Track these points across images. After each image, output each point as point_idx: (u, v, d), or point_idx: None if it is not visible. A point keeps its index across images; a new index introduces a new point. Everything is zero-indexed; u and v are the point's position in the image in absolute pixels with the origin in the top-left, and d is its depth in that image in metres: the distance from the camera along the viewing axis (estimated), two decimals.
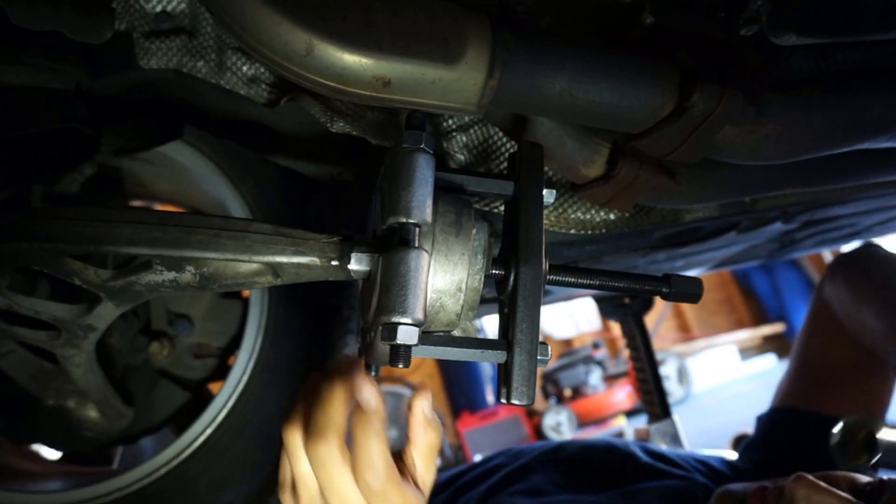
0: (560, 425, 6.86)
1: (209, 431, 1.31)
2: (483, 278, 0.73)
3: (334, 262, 0.73)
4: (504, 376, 0.70)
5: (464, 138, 1.06)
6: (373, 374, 0.83)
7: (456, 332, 0.78)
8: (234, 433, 1.31)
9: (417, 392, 0.78)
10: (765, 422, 1.72)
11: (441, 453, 6.61)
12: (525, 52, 0.71)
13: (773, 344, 8.41)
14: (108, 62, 1.03)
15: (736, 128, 0.79)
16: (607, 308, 2.94)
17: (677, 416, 2.67)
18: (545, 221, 1.02)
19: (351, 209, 1.45)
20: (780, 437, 1.64)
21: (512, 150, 0.98)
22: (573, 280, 0.78)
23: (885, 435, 1.20)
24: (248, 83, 1.03)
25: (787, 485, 1.07)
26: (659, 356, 6.38)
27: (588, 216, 1.15)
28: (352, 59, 0.65)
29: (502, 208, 1.09)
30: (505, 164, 1.07)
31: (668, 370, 7.34)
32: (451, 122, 1.05)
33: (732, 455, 1.72)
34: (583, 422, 6.99)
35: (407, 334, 0.62)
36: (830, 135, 0.83)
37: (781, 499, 1.11)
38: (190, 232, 0.74)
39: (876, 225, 1.91)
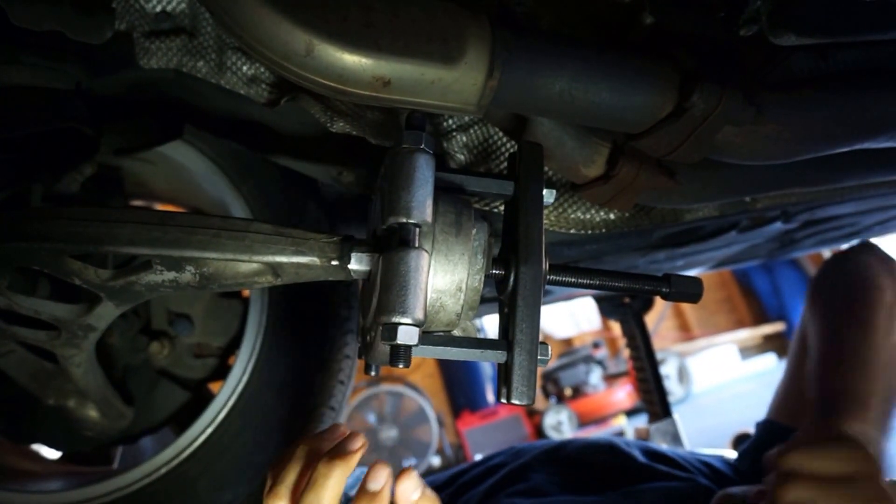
0: (560, 425, 6.87)
1: (209, 431, 1.31)
2: (483, 278, 0.73)
3: (334, 262, 0.73)
4: (504, 376, 0.70)
5: (464, 138, 1.06)
6: (373, 373, 0.83)
7: (456, 332, 0.78)
8: (234, 433, 1.31)
9: (401, 475, 0.75)
10: (759, 431, 1.71)
11: (441, 452, 6.62)
12: (525, 53, 0.71)
13: (774, 343, 8.41)
14: (108, 62, 1.03)
15: (736, 128, 0.79)
16: (607, 308, 2.94)
17: (677, 415, 2.67)
18: (545, 221, 1.02)
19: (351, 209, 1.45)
20: (765, 450, 1.63)
21: (512, 150, 0.98)
22: (573, 280, 0.78)
23: None
24: (248, 83, 1.03)
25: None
26: (659, 355, 6.40)
27: (588, 216, 1.15)
28: (352, 60, 0.65)
29: (502, 208, 1.09)
30: (505, 163, 1.07)
31: (668, 369, 7.34)
32: (451, 122, 1.05)
33: (733, 455, 1.72)
34: (583, 421, 6.99)
35: (407, 334, 0.62)
36: (830, 135, 0.83)
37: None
38: (190, 232, 0.74)
39: (876, 224, 1.90)
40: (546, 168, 1.05)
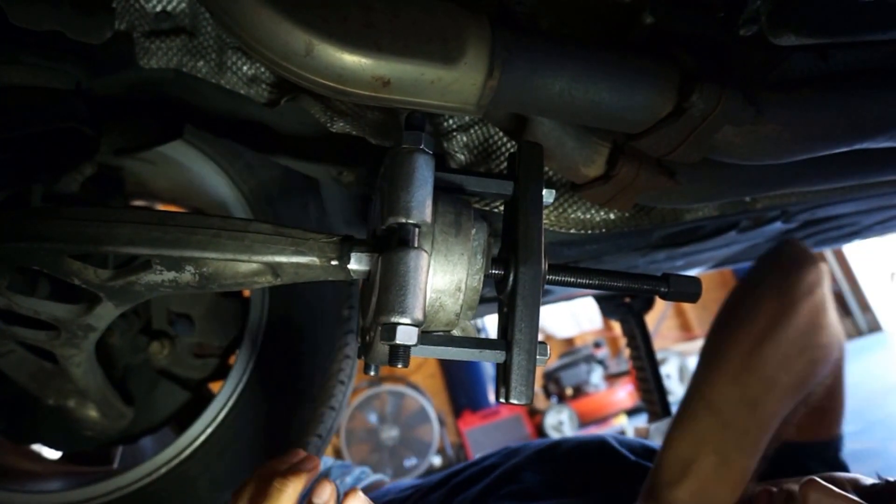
0: (561, 424, 6.87)
1: (209, 431, 1.31)
2: (482, 278, 0.73)
3: (334, 262, 0.73)
4: (503, 376, 0.70)
5: (464, 138, 1.06)
6: (372, 373, 0.84)
7: (455, 332, 0.78)
8: (234, 433, 1.31)
9: (348, 495, 0.82)
10: None
11: (442, 452, 6.63)
12: (525, 53, 0.71)
13: None
14: (108, 62, 1.03)
15: (735, 128, 0.79)
16: (608, 307, 2.94)
17: None
18: (545, 221, 1.01)
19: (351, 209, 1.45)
20: None
21: (512, 150, 0.98)
22: (572, 280, 0.78)
23: None
24: (249, 83, 1.03)
25: (800, 487, 1.06)
26: (660, 355, 6.40)
27: (588, 216, 1.15)
28: (351, 60, 0.65)
29: (502, 208, 1.09)
30: (505, 163, 1.07)
31: (669, 369, 7.34)
32: (451, 121, 1.05)
33: None
34: (584, 421, 6.99)
35: (406, 334, 0.62)
36: (830, 135, 0.83)
37: (792, 502, 1.11)
38: (189, 232, 0.74)
39: (876, 224, 1.90)
40: (546, 168, 1.05)
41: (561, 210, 1.14)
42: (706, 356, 1.33)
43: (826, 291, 1.39)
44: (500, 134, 1.06)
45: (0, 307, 0.92)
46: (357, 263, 0.72)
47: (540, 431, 6.82)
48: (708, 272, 2.46)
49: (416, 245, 0.64)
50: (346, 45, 0.65)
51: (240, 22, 0.64)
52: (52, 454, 1.65)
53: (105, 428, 1.29)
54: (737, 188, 1.03)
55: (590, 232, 1.16)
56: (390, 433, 6.30)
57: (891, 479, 1.10)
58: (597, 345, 7.66)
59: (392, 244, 0.65)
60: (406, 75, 0.68)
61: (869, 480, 1.13)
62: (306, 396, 1.37)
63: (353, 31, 0.65)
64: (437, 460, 6.53)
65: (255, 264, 0.75)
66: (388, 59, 0.66)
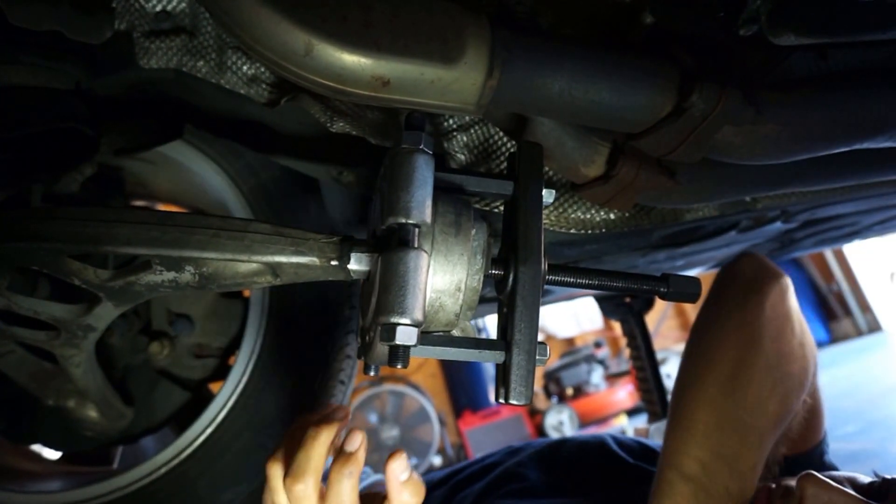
0: (562, 424, 6.87)
1: (209, 431, 1.31)
2: (482, 278, 0.73)
3: (334, 262, 0.73)
4: (502, 376, 0.70)
5: (464, 138, 1.06)
6: (372, 373, 0.84)
7: (455, 332, 0.78)
8: (234, 433, 1.31)
9: (391, 457, 0.82)
10: None
11: (443, 452, 6.63)
12: (524, 52, 0.71)
13: None
14: (108, 62, 1.03)
15: (735, 127, 0.79)
16: (608, 307, 2.94)
17: None
18: (545, 221, 1.02)
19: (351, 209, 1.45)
20: None
21: (512, 150, 0.98)
22: (572, 280, 0.78)
23: None
24: (249, 83, 1.02)
25: (797, 482, 1.06)
26: (660, 355, 6.39)
27: (588, 216, 1.15)
28: (351, 60, 0.65)
29: (502, 208, 1.09)
30: (505, 163, 1.07)
31: (669, 369, 7.33)
32: (451, 121, 1.05)
33: None
34: (584, 421, 6.99)
35: (406, 335, 0.62)
36: (829, 134, 0.82)
37: (789, 497, 1.11)
38: (189, 232, 0.74)
39: (876, 224, 1.90)
40: (546, 168, 1.05)
41: (561, 210, 1.14)
42: (674, 416, 1.25)
43: (791, 306, 1.34)
44: (500, 134, 1.06)
45: (0, 307, 0.92)
46: (357, 263, 0.72)
47: (540, 431, 6.83)
48: (708, 272, 2.46)
49: (416, 245, 0.64)
50: (345, 45, 0.65)
51: (239, 22, 0.64)
52: (51, 454, 1.65)
53: (105, 428, 1.29)
54: (737, 188, 1.03)
55: (590, 232, 1.16)
56: (390, 433, 6.30)
57: (888, 476, 1.10)
58: (597, 345, 7.66)
59: (392, 244, 0.65)
60: (406, 75, 0.68)
61: (867, 479, 1.13)
62: (306, 397, 1.37)
63: (352, 30, 0.65)
64: (437, 460, 6.54)
65: (254, 264, 0.75)
66: (388, 58, 0.66)
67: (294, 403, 1.35)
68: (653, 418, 2.74)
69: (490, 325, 6.56)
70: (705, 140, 0.79)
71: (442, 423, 6.68)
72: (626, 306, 2.84)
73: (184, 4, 0.96)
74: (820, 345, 8.38)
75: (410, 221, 0.64)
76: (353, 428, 0.83)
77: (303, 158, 1.20)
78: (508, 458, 1.62)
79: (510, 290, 0.71)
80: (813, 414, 1.41)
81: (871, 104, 0.82)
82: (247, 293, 1.51)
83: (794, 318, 1.32)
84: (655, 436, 2.62)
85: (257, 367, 1.34)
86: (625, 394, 7.16)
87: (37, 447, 1.59)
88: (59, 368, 1.09)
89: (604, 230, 1.16)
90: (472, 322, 0.89)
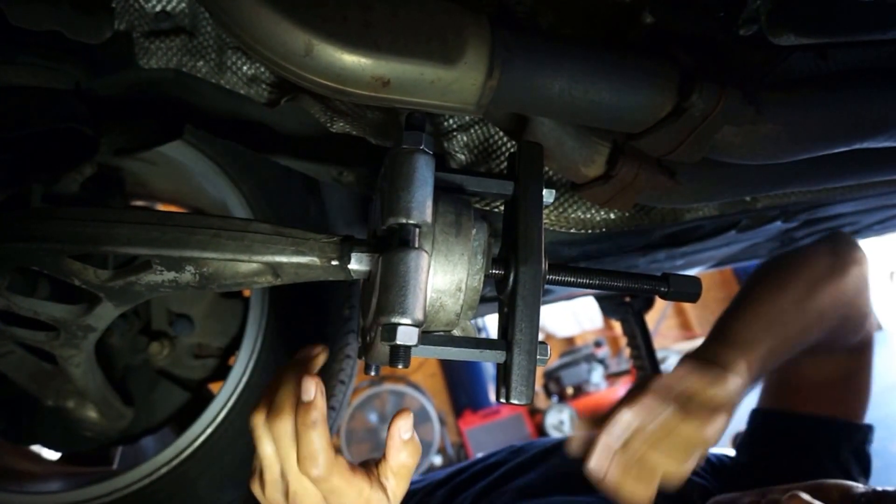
0: (562, 424, 6.86)
1: (209, 431, 1.31)
2: (483, 278, 0.73)
3: (334, 262, 0.73)
4: (503, 376, 0.70)
5: (464, 138, 1.06)
6: (373, 373, 0.84)
7: (455, 332, 0.78)
8: (234, 433, 1.31)
9: (398, 414, 0.83)
10: (750, 422, 1.72)
11: (443, 451, 6.63)
12: (524, 52, 0.71)
13: None
14: (108, 62, 1.03)
15: (735, 127, 0.79)
16: (608, 307, 2.94)
17: None
18: (545, 221, 1.01)
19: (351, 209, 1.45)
20: (761, 439, 1.64)
21: (512, 150, 0.98)
22: (572, 280, 0.78)
23: None
24: (249, 83, 1.02)
25: (784, 500, 1.07)
26: (660, 354, 6.39)
27: (588, 215, 1.15)
28: (351, 60, 0.65)
29: (502, 208, 1.09)
30: (505, 163, 1.07)
31: (669, 368, 7.32)
32: (451, 121, 1.05)
33: (732, 453, 1.72)
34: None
35: (406, 335, 0.62)
36: (829, 134, 0.82)
37: None
38: (189, 232, 0.74)
39: (876, 224, 1.90)
40: (546, 168, 1.05)
41: (561, 210, 1.14)
42: (760, 279, 1.46)
43: (869, 276, 1.55)
44: (500, 134, 1.06)
45: (0, 307, 0.92)
46: (357, 264, 0.72)
47: (541, 431, 6.82)
48: (708, 271, 2.46)
49: (416, 245, 0.64)
50: (345, 45, 0.64)
51: (239, 22, 0.64)
52: (51, 455, 1.65)
53: (104, 428, 1.29)
54: (737, 188, 1.03)
55: (590, 232, 1.16)
56: None
57: (879, 488, 1.10)
58: (597, 344, 7.66)
59: (392, 244, 0.65)
60: (406, 75, 0.67)
61: (861, 487, 1.13)
62: None
63: (352, 30, 0.65)
64: (437, 460, 6.53)
65: (255, 264, 0.75)
66: (388, 58, 0.66)
67: None
68: None
69: (490, 324, 6.56)
70: (705, 140, 0.79)
71: (442, 422, 6.68)
72: (626, 305, 2.84)
73: (183, 4, 0.96)
74: None
75: (411, 222, 0.64)
76: (306, 376, 0.81)
77: (303, 158, 1.20)
78: (513, 457, 1.62)
79: (511, 289, 0.71)
80: (859, 381, 1.62)
81: (871, 104, 0.82)
82: (247, 293, 1.51)
83: (870, 282, 1.56)
84: None
85: (257, 367, 1.34)
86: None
87: (36, 448, 1.59)
88: (59, 369, 1.09)
89: (604, 230, 1.16)
90: (473, 321, 0.89)
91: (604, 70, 0.75)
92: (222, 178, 1.36)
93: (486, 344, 0.71)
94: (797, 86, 0.81)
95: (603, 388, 7.28)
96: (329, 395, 1.40)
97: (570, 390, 7.32)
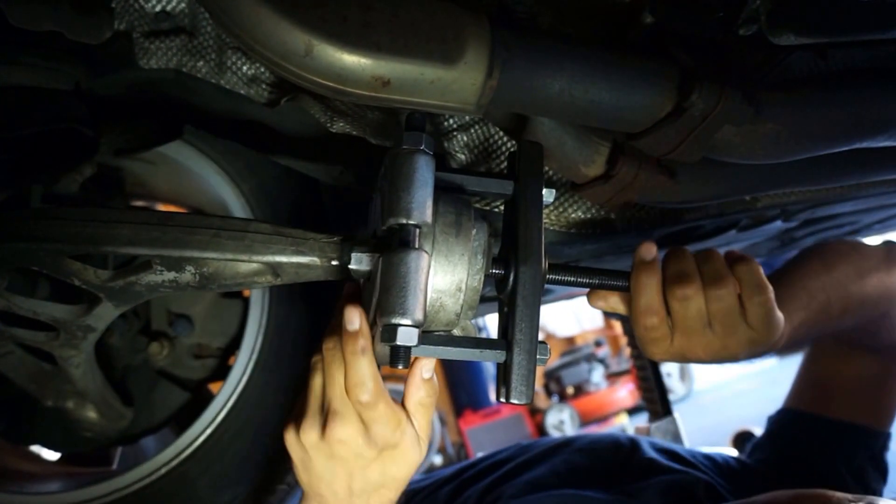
0: (562, 423, 6.87)
1: (209, 431, 1.31)
2: (483, 278, 0.73)
3: (334, 262, 0.74)
4: (503, 376, 0.70)
5: (464, 138, 1.06)
6: None
7: (456, 332, 0.78)
8: (234, 433, 1.31)
9: (419, 357, 0.82)
10: (771, 422, 1.72)
11: (443, 451, 6.63)
12: (524, 52, 0.71)
13: None
14: (107, 62, 1.03)
15: (735, 127, 0.79)
16: None
17: (678, 413, 2.67)
18: (545, 220, 1.02)
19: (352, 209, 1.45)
20: (784, 439, 1.64)
21: (512, 150, 0.98)
22: (572, 279, 0.78)
23: None
24: (249, 83, 1.02)
25: None
26: None
27: (588, 215, 1.15)
28: (351, 60, 0.65)
29: (502, 208, 1.09)
30: (505, 163, 1.07)
31: (669, 367, 7.34)
32: (451, 121, 1.05)
33: (733, 453, 1.72)
34: (585, 419, 6.99)
35: (406, 335, 0.62)
36: (829, 134, 0.82)
37: None
38: (189, 232, 0.74)
39: (876, 223, 1.90)
40: (546, 168, 1.05)
41: (561, 210, 1.14)
42: (809, 255, 1.41)
43: None
44: (501, 133, 1.06)
45: None
46: (357, 264, 0.72)
47: (541, 430, 6.83)
48: None
49: (416, 246, 0.65)
50: (345, 45, 0.64)
51: (239, 22, 0.64)
52: (50, 455, 1.64)
53: (104, 429, 1.29)
54: (736, 187, 1.03)
55: (590, 231, 1.16)
56: None
57: (870, 498, 1.09)
58: (598, 343, 7.67)
59: (393, 245, 0.65)
60: (406, 75, 0.67)
61: (849, 497, 1.13)
62: None
63: (352, 30, 0.65)
64: (437, 459, 6.53)
65: (255, 264, 0.75)
66: (388, 59, 0.66)
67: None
68: (654, 417, 2.73)
69: (490, 324, 6.56)
70: (705, 140, 0.79)
71: (442, 422, 6.68)
72: None
73: (183, 4, 0.96)
74: None
75: (411, 222, 0.64)
76: (348, 306, 0.80)
77: (303, 158, 1.20)
78: (521, 453, 1.63)
79: (511, 289, 0.71)
80: (886, 387, 1.58)
81: (870, 104, 0.82)
82: (247, 293, 1.51)
83: None
84: (656, 434, 2.62)
85: (257, 367, 1.34)
86: (625, 392, 7.16)
87: (36, 448, 1.58)
88: (59, 369, 1.09)
89: (604, 230, 1.16)
90: (473, 321, 0.89)
91: (604, 70, 0.75)
92: (222, 178, 1.36)
93: (487, 344, 0.71)
94: (797, 86, 0.81)
95: (603, 387, 7.29)
96: None
97: (570, 390, 7.33)
